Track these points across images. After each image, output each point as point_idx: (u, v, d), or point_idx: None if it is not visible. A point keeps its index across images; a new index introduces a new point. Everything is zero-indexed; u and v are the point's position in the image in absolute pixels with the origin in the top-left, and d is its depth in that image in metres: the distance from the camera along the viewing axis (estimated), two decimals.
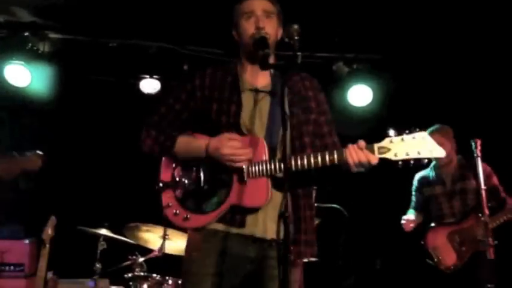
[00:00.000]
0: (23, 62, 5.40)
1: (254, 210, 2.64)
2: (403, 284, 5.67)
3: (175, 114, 2.83)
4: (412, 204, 5.08)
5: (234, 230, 2.64)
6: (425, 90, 5.83)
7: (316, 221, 4.86)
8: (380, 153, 2.50)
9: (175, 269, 4.68)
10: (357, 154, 2.50)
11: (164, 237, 4.70)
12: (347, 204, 4.89)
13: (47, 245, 4.74)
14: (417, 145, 2.46)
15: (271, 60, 2.71)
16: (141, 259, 4.72)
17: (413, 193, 5.09)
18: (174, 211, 2.73)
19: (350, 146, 2.53)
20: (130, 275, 4.62)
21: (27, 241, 5.07)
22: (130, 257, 4.72)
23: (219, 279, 2.62)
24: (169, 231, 4.69)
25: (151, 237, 4.85)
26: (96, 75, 5.81)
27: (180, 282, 4.61)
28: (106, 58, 5.68)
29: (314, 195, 3.12)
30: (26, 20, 5.39)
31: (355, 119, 5.88)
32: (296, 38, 2.49)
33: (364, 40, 5.56)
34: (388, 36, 5.45)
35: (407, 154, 2.46)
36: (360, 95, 5.85)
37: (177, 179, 2.76)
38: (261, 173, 2.59)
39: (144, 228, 4.78)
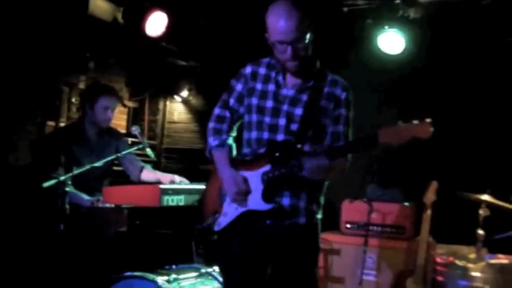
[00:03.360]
0: (395, 29, 5.51)
1: None
2: None
3: None
4: None
5: None
6: None
7: None
8: None
9: None
10: None
11: None
12: None
13: (429, 210, 4.80)
14: None
15: None
16: None
17: None
18: None
19: None
20: None
21: (407, 204, 5.22)
22: None
23: None
24: None
25: None
26: (466, 36, 5.57)
27: None
28: (478, 17, 5.40)
29: None
30: None
31: None
32: None
33: None
34: None
35: None
36: None
37: None
38: None
39: None
